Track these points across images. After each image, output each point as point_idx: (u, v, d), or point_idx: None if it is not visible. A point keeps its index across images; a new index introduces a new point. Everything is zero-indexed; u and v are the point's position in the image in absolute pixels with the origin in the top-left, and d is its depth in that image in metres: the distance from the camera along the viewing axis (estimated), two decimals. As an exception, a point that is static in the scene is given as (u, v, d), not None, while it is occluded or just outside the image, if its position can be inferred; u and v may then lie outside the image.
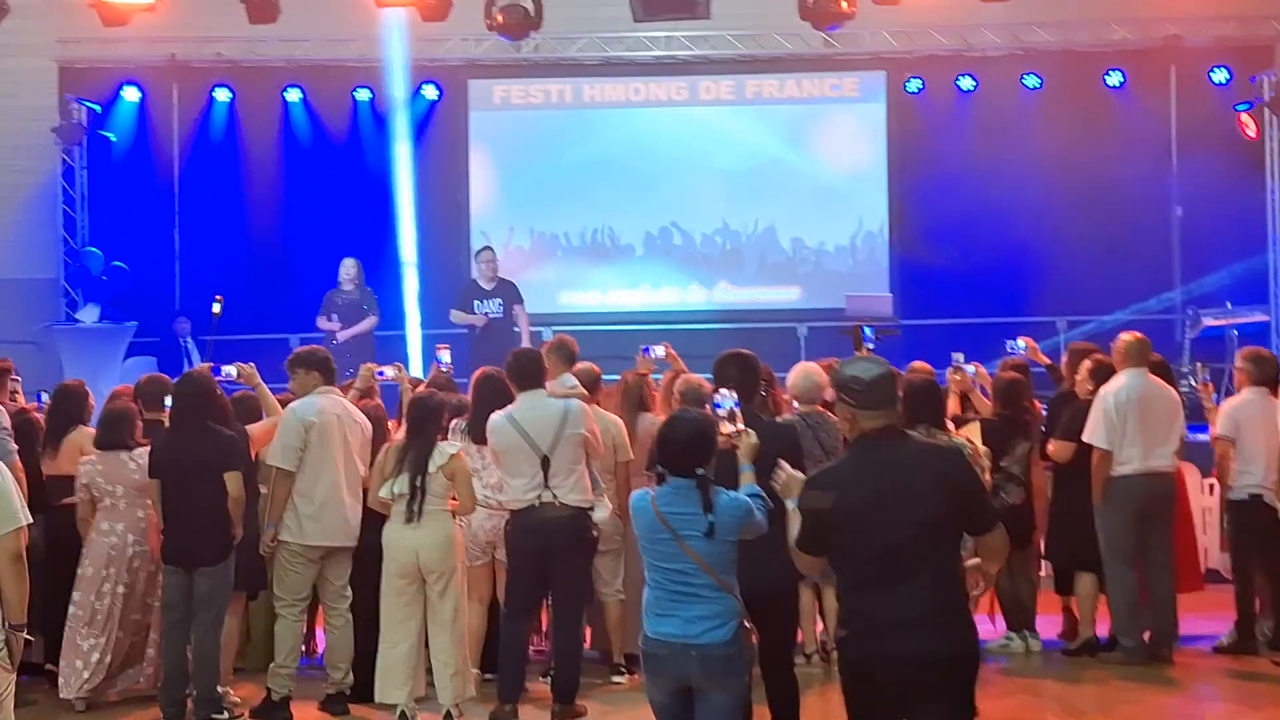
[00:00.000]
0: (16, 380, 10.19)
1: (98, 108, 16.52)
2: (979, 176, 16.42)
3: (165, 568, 8.45)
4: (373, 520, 8.42)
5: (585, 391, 8.71)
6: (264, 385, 9.05)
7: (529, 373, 8.40)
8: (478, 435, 8.78)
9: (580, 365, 9.26)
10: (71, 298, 16.26)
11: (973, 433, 9.03)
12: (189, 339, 15.95)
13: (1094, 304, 15.82)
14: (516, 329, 14.05)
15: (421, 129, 16.89)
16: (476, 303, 14.13)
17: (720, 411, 5.96)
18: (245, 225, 16.83)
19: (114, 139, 16.54)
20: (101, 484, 8.80)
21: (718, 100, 17.23)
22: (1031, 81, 16.92)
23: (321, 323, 14.46)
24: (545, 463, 8.14)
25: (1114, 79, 16.90)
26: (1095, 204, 16.22)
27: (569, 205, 17.10)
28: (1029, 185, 16.26)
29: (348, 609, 8.67)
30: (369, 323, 14.48)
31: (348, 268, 14.53)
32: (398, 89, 16.24)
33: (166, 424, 8.67)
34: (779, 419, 8.05)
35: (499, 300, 14.17)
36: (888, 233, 17.12)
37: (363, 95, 16.95)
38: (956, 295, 16.31)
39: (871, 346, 9.75)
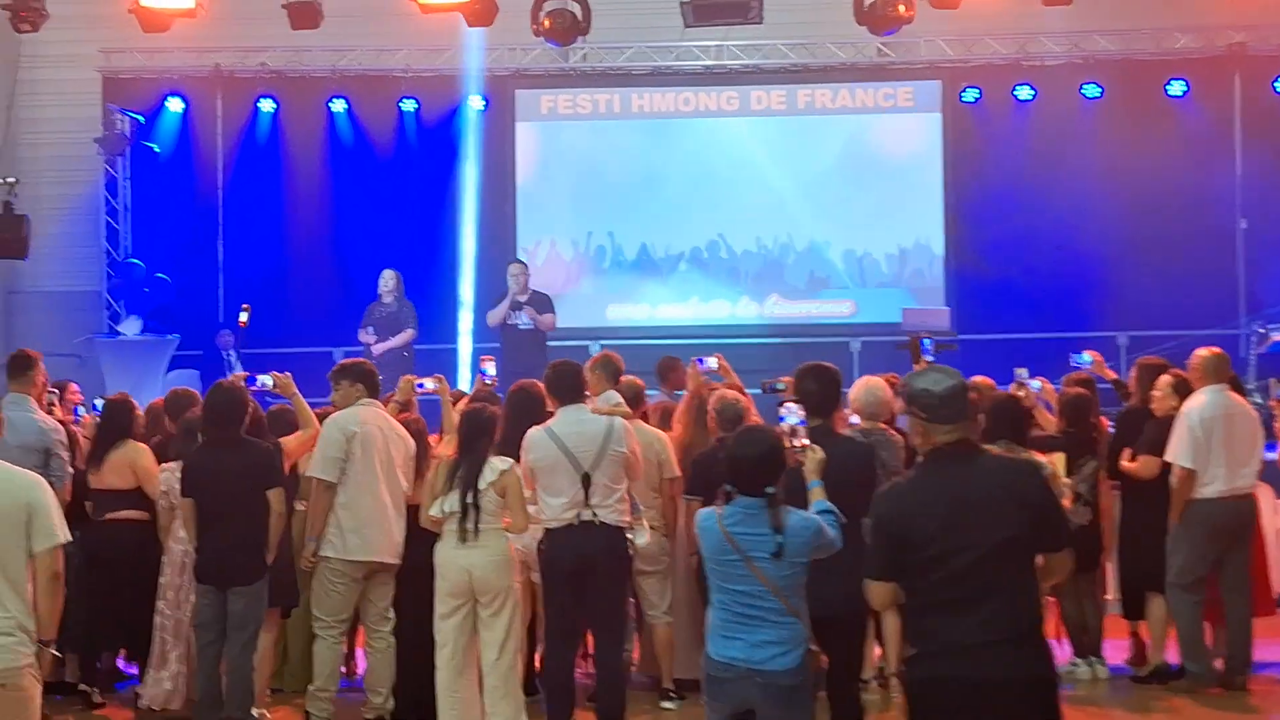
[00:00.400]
0: (54, 393, 9.89)
1: (141, 118, 16.38)
2: (1037, 188, 16.14)
3: (198, 586, 8.16)
4: (417, 538, 8.12)
5: (629, 409, 8.35)
6: (300, 396, 8.74)
7: (569, 386, 8.05)
8: (508, 451, 8.48)
9: (622, 379, 8.96)
10: (114, 310, 16.11)
11: (1058, 462, 8.62)
12: (232, 351, 15.64)
13: (1155, 318, 15.40)
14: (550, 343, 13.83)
15: (467, 139, 16.69)
16: (510, 313, 13.89)
17: (783, 426, 5.75)
18: (289, 237, 16.71)
19: (157, 150, 16.39)
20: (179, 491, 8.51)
21: (769, 111, 16.93)
22: (1091, 91, 16.59)
23: (362, 336, 14.20)
24: (586, 480, 7.78)
25: (1176, 88, 16.55)
26: (1157, 216, 15.88)
27: (616, 217, 16.85)
28: (1088, 197, 15.98)
29: (390, 631, 8.38)
30: (406, 336, 14.18)
31: (386, 280, 14.26)
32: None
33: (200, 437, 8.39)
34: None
35: (528, 309, 13.92)
36: (943, 245, 16.79)
37: (408, 106, 16.77)
38: (1014, 309, 15.98)
39: (931, 359, 9.34)
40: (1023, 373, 9.81)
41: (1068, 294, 16.02)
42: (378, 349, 13.98)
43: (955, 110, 16.73)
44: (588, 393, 8.23)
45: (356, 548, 8.27)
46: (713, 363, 9.22)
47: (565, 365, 8.20)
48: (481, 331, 15.27)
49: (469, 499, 7.71)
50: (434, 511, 7.86)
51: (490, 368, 9.74)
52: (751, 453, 5.45)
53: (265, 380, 8.72)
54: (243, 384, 8.45)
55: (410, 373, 13.07)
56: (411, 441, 8.54)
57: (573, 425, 7.88)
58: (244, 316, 10.24)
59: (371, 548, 8.27)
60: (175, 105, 16.68)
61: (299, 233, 16.62)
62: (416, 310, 14.48)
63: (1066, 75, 16.59)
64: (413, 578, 8.18)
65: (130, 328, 15.28)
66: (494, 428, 8.04)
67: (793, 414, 5.79)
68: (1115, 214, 15.95)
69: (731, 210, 16.78)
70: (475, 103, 16.72)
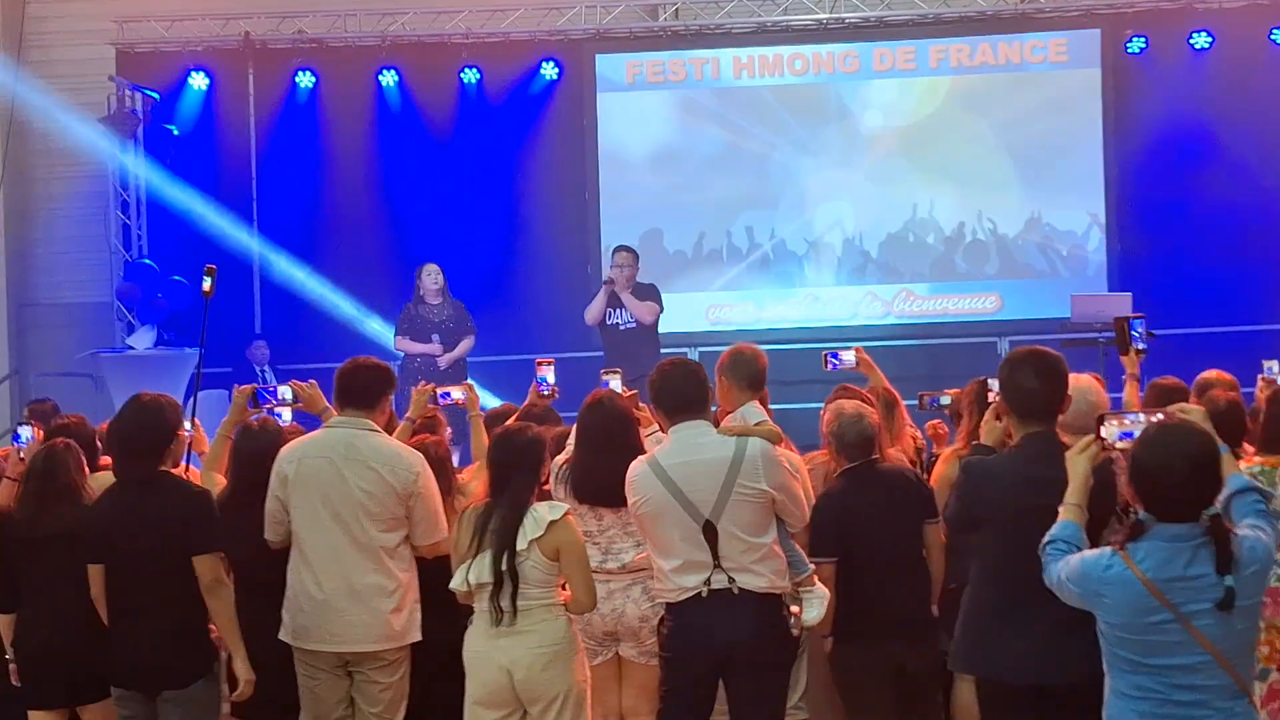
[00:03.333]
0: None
1: (156, 95, 14.26)
2: (1216, 153, 14.03)
3: (115, 693, 5.74)
4: (440, 609, 6.00)
5: (775, 429, 5.85)
6: (332, 412, 6.48)
7: (684, 394, 5.71)
8: (583, 488, 6.13)
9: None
10: (129, 321, 14.08)
11: None
12: (267, 367, 13.63)
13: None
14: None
15: (539, 114, 14.67)
16: (609, 311, 11.78)
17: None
18: (334, 232, 14.66)
19: (176, 132, 14.28)
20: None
21: (895, 71, 14.63)
22: (1281, 36, 14.06)
23: (400, 344, 12.04)
24: (710, 531, 5.50)
25: (1388, 30, 13.92)
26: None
27: (715, 201, 14.70)
28: (1280, 162, 13.62)
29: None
30: (468, 345, 12.07)
31: (433, 275, 12.07)
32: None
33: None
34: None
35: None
36: (1105, 223, 14.41)
37: (470, 77, 14.62)
38: (1191, 299, 13.79)
39: (1143, 348, 6.93)
40: (1273, 365, 7.83)
41: (1257, 281, 13.86)
42: (444, 361, 11.84)
43: (1118, 63, 14.37)
44: (714, 406, 5.96)
45: (303, 631, 6.05)
46: (849, 358, 7.41)
47: (677, 366, 5.79)
48: (553, 339, 13.09)
49: (504, 564, 5.47)
50: (456, 583, 5.61)
51: (549, 373, 7.33)
52: (1180, 461, 4.20)
53: (285, 392, 6.68)
54: (172, 402, 5.99)
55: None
56: (401, 472, 6.14)
57: (685, 452, 5.60)
58: (207, 283, 8.10)
59: (319, 630, 6.04)
60: (199, 81, 14.56)
61: (345, 227, 14.59)
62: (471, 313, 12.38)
63: (1251, 19, 14.21)
64: (439, 670, 6.04)
65: (142, 340, 13.28)
66: (538, 457, 5.69)
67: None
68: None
69: (852, 190, 14.65)
70: (548, 71, 14.64)
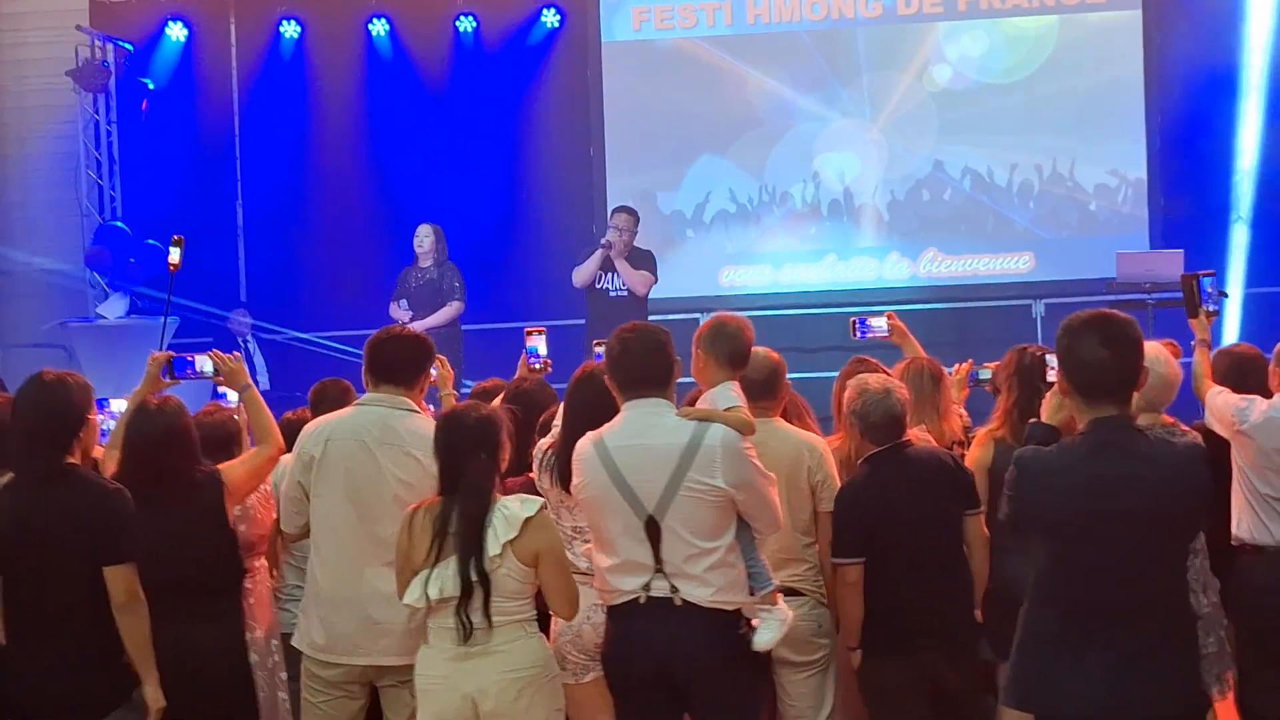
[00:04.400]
0: None
1: (130, 47, 13.41)
2: (1273, 97, 13.03)
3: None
4: None
5: (747, 417, 4.90)
6: (255, 391, 5.85)
7: (644, 366, 4.85)
8: (568, 475, 5.18)
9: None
10: (102, 288, 13.27)
11: None
12: (250, 338, 12.85)
13: None
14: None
15: (540, 65, 13.87)
16: (601, 275, 11.07)
17: None
18: (323, 192, 13.87)
19: (151, 86, 13.39)
20: None
21: (921, 15, 13.71)
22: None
23: (394, 310, 11.31)
24: (652, 528, 4.73)
25: None
26: None
27: (729, 157, 13.84)
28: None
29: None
30: (451, 310, 11.27)
31: (423, 237, 11.39)
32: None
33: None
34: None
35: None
36: (1146, 178, 13.47)
37: (465, 25, 13.81)
38: (1248, 257, 12.98)
39: (1214, 309, 6.12)
40: None
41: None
42: (415, 328, 10.78)
43: (1160, 5, 13.46)
44: (696, 383, 5.15)
45: (328, 641, 5.26)
46: (881, 324, 6.76)
47: (639, 333, 4.91)
48: (555, 305, 12.28)
49: (473, 573, 4.64)
50: (411, 598, 4.75)
51: (540, 344, 6.61)
52: None
53: (204, 365, 5.84)
54: (81, 382, 5.13)
55: (459, 359, 10.53)
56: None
57: (634, 434, 4.81)
58: (175, 254, 7.38)
59: (345, 641, 5.25)
60: (176, 32, 13.71)
61: (333, 186, 13.80)
62: (464, 277, 11.62)
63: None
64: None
65: (113, 309, 12.46)
66: (495, 440, 4.85)
67: None
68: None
69: (876, 144, 13.75)
70: (549, 19, 13.84)
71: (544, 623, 5.23)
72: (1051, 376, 4.36)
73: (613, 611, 4.81)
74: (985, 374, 6.71)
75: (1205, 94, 13.15)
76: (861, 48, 13.70)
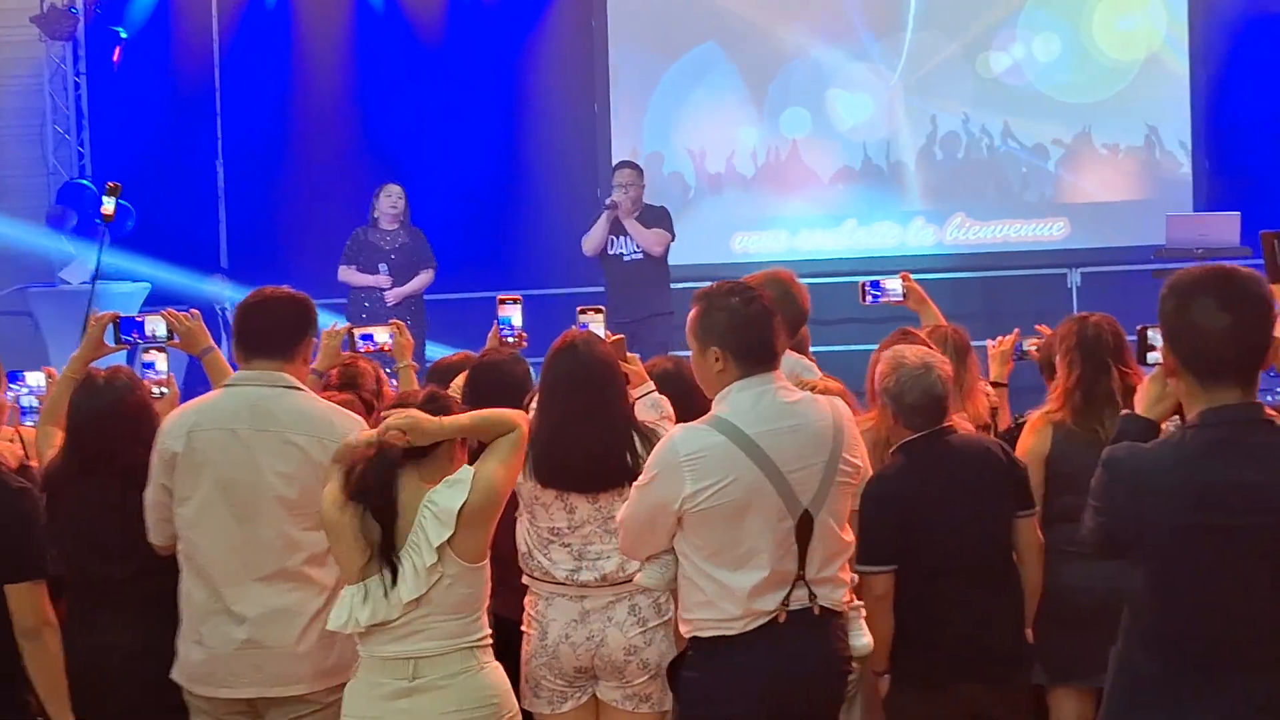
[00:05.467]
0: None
1: (103, -9, 12.83)
2: None
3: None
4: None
5: (837, 383, 4.48)
6: (219, 354, 5.19)
7: (768, 331, 4.05)
8: (547, 468, 4.45)
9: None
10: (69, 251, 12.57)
11: None
12: (228, 305, 12.00)
13: None
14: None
15: (541, 12, 13.30)
16: (611, 239, 10.22)
17: None
18: (310, 150, 13.27)
19: (124, 35, 12.79)
20: None
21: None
22: None
23: (345, 274, 10.51)
24: (804, 527, 3.95)
25: None
26: None
27: (745, 114, 13.17)
28: None
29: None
30: (425, 279, 10.51)
31: (393, 197, 10.54)
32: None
33: None
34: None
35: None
36: (1189, 139, 12.76)
37: None
38: None
39: None
40: None
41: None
42: (393, 296, 10.32)
43: None
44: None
45: (201, 670, 4.38)
46: (895, 287, 6.09)
47: (740, 295, 4.06)
48: (553, 274, 11.82)
49: (404, 592, 3.87)
50: (340, 621, 3.93)
51: (514, 314, 5.68)
52: None
53: (155, 325, 5.20)
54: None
55: (423, 331, 10.28)
56: (334, 446, 4.26)
57: (770, 416, 3.98)
58: (108, 204, 6.60)
59: (222, 669, 4.37)
60: (153, -24, 13.14)
61: (321, 144, 13.20)
62: (460, 243, 11.43)
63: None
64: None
65: (77, 274, 11.74)
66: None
67: None
68: None
69: (900, 103, 13.09)
70: None
71: (511, 642, 4.43)
72: (1155, 357, 3.43)
73: (729, 644, 3.93)
74: (1027, 345, 5.95)
75: (1253, 45, 12.55)
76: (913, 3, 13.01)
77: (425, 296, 10.54)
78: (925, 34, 12.90)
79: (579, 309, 5.22)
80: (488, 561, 3.97)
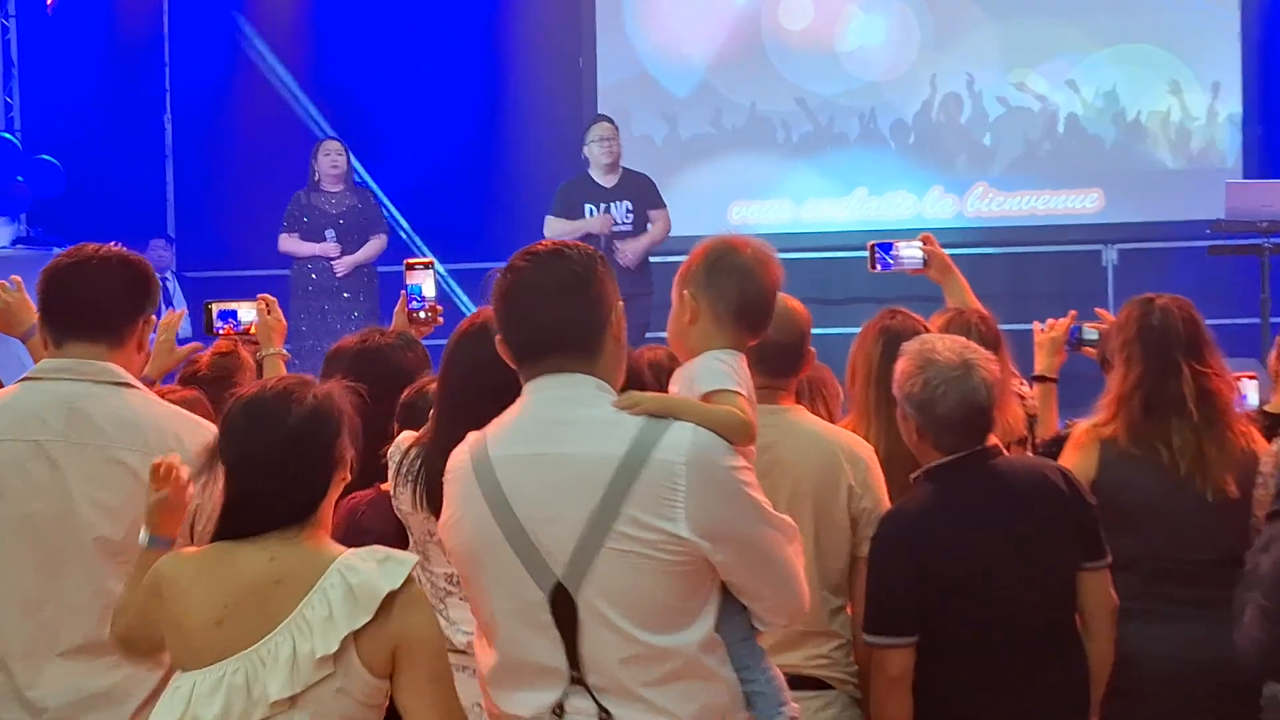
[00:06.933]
0: None
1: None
2: None
3: None
4: None
5: (744, 413, 2.83)
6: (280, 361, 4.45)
7: (546, 314, 2.80)
8: (437, 496, 3.13)
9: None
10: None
11: None
12: (171, 274, 11.20)
13: None
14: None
15: None
16: (589, 207, 9.35)
17: None
18: (266, 105, 12.32)
19: None
20: None
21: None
22: None
23: (286, 243, 9.66)
24: (563, 605, 2.69)
25: None
26: None
27: (744, 69, 12.28)
28: None
29: None
30: (376, 246, 9.59)
31: (337, 155, 9.67)
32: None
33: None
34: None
35: (626, 203, 9.31)
36: (1240, 99, 11.79)
37: None
38: None
39: None
40: None
41: None
42: (342, 266, 9.37)
43: None
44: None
45: None
46: (914, 254, 4.93)
47: (536, 260, 2.87)
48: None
49: (272, 689, 2.79)
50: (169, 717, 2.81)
51: (426, 283, 4.58)
52: None
53: (247, 314, 4.53)
54: None
55: (376, 306, 9.36)
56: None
57: (536, 437, 2.80)
58: None
59: None
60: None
61: (280, 98, 12.30)
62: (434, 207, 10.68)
63: None
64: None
65: None
66: (330, 434, 2.98)
67: None
68: None
69: (919, 60, 12.19)
70: None
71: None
72: None
73: None
74: (1092, 334, 4.82)
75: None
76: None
77: (379, 268, 9.59)
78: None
79: (486, 276, 4.08)
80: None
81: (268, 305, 4.39)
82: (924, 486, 3.48)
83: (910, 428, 3.51)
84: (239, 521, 2.82)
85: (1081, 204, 12.03)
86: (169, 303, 10.86)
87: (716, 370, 2.81)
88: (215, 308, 4.50)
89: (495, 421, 2.81)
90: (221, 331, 4.46)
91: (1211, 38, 11.83)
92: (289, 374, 3.27)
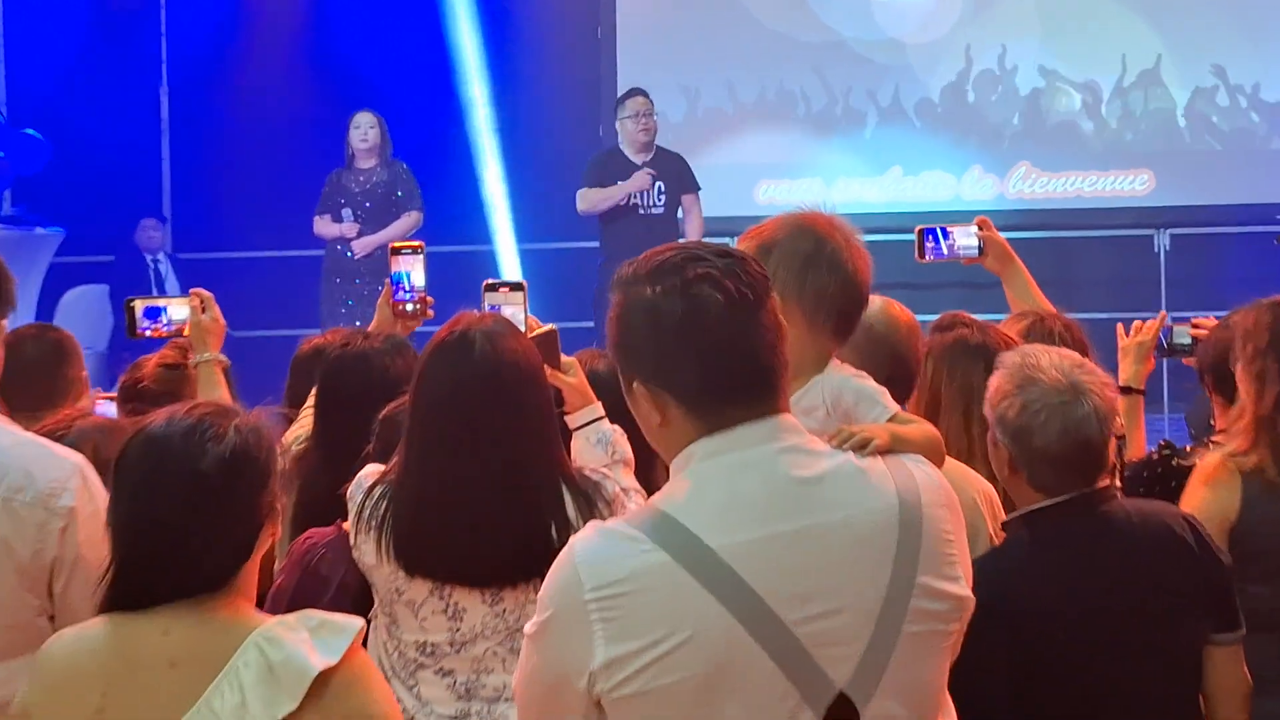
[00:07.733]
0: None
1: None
2: None
3: None
4: None
5: (931, 431, 2.51)
6: (217, 369, 3.87)
7: (732, 349, 2.07)
8: (416, 544, 2.81)
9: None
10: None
11: None
12: (162, 256, 10.93)
13: None
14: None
15: None
16: (621, 184, 9.13)
17: None
18: (270, 79, 11.92)
19: None
20: None
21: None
22: None
23: (320, 226, 9.26)
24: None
25: None
26: None
27: (771, 43, 11.93)
28: None
29: None
30: (408, 222, 9.11)
31: (368, 129, 9.22)
32: None
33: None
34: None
35: (659, 184, 9.00)
36: None
37: None
38: None
39: None
40: None
41: None
42: (361, 247, 8.97)
43: None
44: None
45: None
46: (968, 241, 4.41)
47: (680, 271, 2.09)
48: (552, 224, 10.82)
49: None
50: None
51: (414, 270, 4.01)
52: None
53: (176, 311, 3.98)
54: None
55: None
56: (31, 510, 2.79)
57: (766, 513, 2.04)
58: None
59: None
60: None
61: (283, 72, 11.90)
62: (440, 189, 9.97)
63: None
64: None
65: None
66: (261, 474, 2.35)
67: None
68: None
69: (956, 34, 11.81)
70: None
71: None
72: None
73: None
74: (1185, 338, 4.27)
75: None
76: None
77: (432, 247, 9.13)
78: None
79: (486, 285, 3.45)
80: None
81: (203, 303, 3.78)
82: (1017, 535, 2.87)
83: (1002, 458, 2.89)
84: (130, 590, 2.24)
85: (1130, 186, 11.65)
86: (160, 288, 10.69)
87: (871, 392, 2.57)
88: (139, 305, 3.88)
89: (670, 497, 2.06)
90: (149, 333, 3.85)
91: (1272, 14, 11.47)
92: (205, 401, 2.67)
